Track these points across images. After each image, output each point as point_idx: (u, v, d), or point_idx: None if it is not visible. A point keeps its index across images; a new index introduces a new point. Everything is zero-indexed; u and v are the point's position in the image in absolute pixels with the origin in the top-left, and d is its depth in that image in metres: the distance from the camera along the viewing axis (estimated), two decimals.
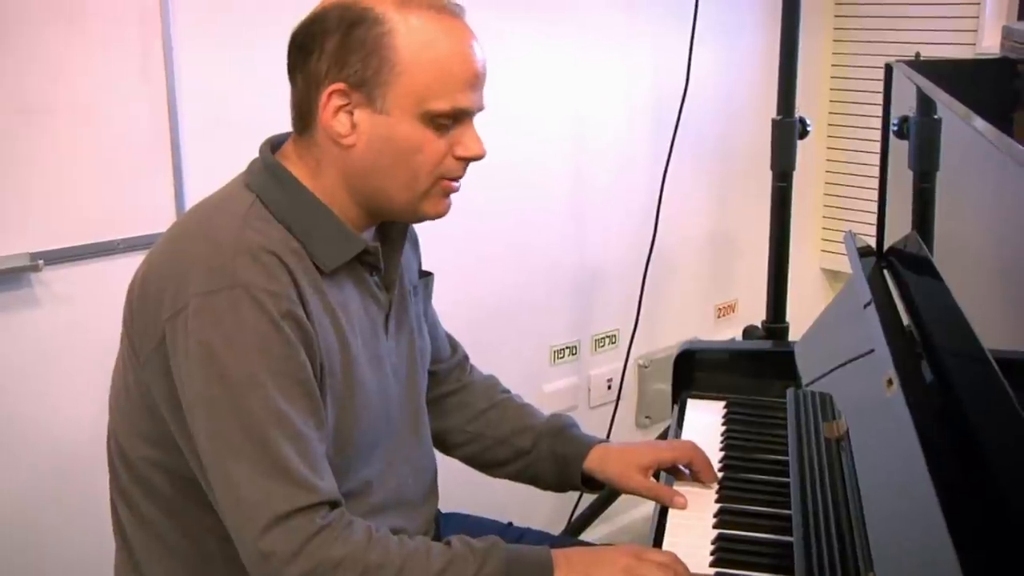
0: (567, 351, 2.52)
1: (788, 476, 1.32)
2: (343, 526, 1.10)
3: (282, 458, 1.09)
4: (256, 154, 1.24)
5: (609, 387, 2.58)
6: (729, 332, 2.83)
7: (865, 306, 1.42)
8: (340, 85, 1.15)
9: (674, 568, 1.17)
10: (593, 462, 1.44)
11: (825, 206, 3.06)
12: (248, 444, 1.08)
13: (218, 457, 1.10)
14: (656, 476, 1.44)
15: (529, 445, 1.48)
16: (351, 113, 1.16)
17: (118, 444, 1.25)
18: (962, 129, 1.24)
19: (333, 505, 1.12)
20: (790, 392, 1.51)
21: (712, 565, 1.26)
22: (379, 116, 1.16)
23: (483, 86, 1.21)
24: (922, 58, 1.61)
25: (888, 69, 1.64)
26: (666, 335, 2.67)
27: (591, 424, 2.47)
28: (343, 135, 1.17)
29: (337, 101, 1.16)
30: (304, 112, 1.19)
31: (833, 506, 1.18)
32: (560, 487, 1.49)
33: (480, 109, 1.21)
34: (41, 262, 1.62)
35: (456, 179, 1.22)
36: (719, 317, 2.89)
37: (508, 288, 2.36)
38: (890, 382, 1.15)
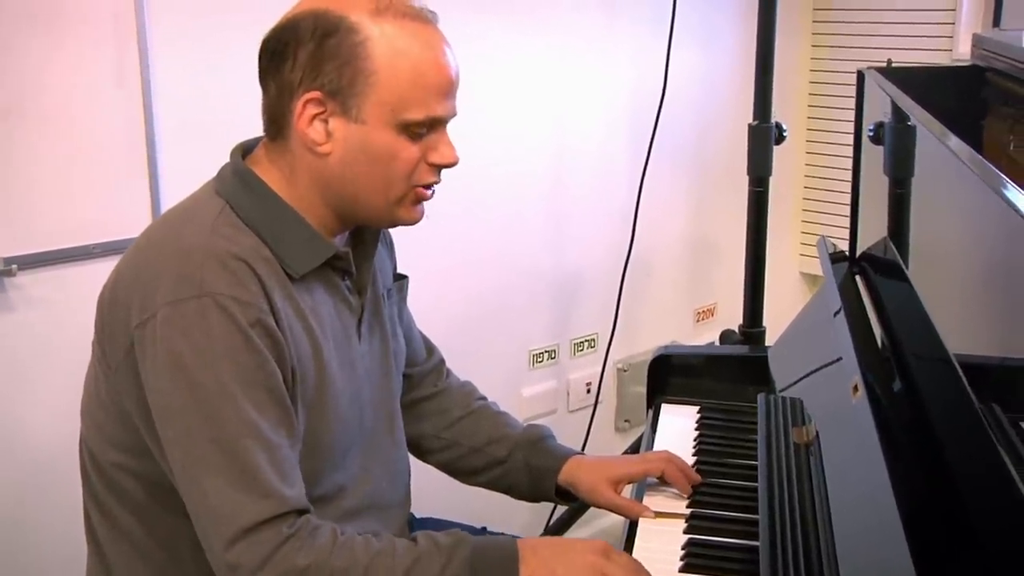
0: (546, 355, 2.52)
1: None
2: (308, 533, 1.10)
3: (251, 468, 1.09)
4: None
5: (588, 391, 2.59)
6: (708, 336, 2.83)
7: (835, 313, 1.43)
8: (315, 94, 1.15)
9: (639, 573, 1.17)
10: (565, 475, 1.44)
11: (804, 210, 3.08)
12: (217, 454, 1.09)
13: (188, 466, 1.10)
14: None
15: (504, 455, 1.47)
16: (326, 121, 1.16)
17: (90, 450, 1.25)
18: (929, 138, 1.25)
19: (301, 512, 1.12)
20: (761, 397, 1.52)
21: (682, 571, 1.26)
22: (354, 125, 1.16)
23: (456, 93, 1.21)
24: (894, 64, 1.62)
25: (860, 76, 1.65)
26: (645, 339, 2.68)
27: (570, 428, 2.48)
28: (318, 143, 1.17)
29: (312, 110, 1.16)
30: (277, 118, 1.19)
31: (800, 512, 1.19)
32: (534, 498, 1.49)
33: (453, 116, 1.21)
34: (15, 267, 1.61)
35: (429, 186, 1.22)
36: (698, 321, 2.91)
37: (487, 292, 2.36)
38: (856, 388, 1.16)
